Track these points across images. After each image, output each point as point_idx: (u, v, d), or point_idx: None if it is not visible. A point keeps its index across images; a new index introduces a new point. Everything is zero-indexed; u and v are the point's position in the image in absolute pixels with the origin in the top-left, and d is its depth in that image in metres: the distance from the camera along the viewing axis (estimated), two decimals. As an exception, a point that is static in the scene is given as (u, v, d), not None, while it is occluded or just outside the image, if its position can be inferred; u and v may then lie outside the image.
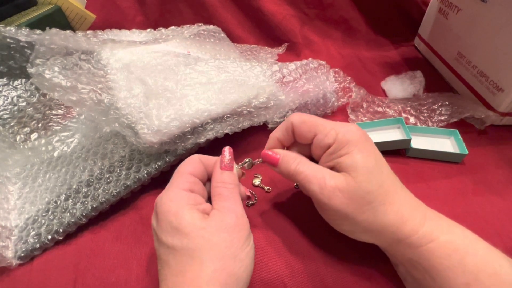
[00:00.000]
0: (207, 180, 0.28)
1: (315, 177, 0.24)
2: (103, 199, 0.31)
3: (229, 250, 0.22)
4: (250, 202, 0.33)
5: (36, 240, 0.30)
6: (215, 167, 0.26)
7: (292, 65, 0.42)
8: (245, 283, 0.22)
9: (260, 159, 0.28)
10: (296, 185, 0.35)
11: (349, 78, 0.46)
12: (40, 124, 0.40)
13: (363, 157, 0.23)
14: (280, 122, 0.32)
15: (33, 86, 0.40)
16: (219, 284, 0.21)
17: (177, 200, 0.23)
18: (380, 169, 0.24)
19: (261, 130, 0.39)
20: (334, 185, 0.23)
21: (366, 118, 0.42)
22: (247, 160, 0.28)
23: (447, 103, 0.43)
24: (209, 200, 0.27)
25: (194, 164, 0.26)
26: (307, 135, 0.26)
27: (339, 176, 0.24)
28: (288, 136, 0.27)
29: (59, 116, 0.41)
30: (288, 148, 0.29)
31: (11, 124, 0.38)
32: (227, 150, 0.27)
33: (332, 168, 0.25)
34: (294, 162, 0.26)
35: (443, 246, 0.22)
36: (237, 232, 0.23)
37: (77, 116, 0.41)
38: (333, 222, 0.26)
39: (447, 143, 0.38)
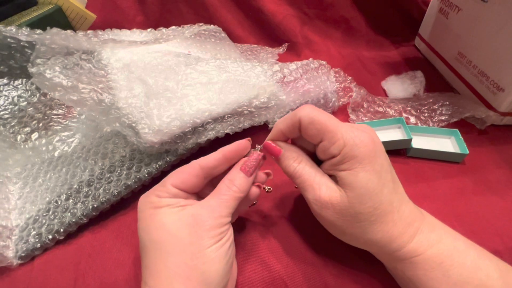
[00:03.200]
0: (207, 184, 0.27)
1: (311, 185, 0.24)
2: (103, 198, 0.31)
3: (192, 245, 0.22)
4: (251, 202, 0.33)
5: (36, 240, 0.30)
6: (237, 163, 0.26)
7: (292, 65, 0.42)
8: (214, 279, 0.22)
9: (261, 146, 0.27)
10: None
11: (349, 78, 0.46)
12: (40, 124, 0.40)
13: (364, 177, 0.22)
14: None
15: (34, 85, 0.40)
16: (180, 277, 0.21)
17: (153, 203, 0.24)
18: (381, 189, 0.22)
19: (262, 130, 0.39)
20: (328, 199, 0.23)
21: (366, 118, 0.43)
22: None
23: (447, 103, 0.43)
24: None
25: (184, 177, 0.25)
26: (313, 138, 0.24)
27: (335, 190, 0.23)
28: (294, 130, 0.25)
29: (59, 116, 0.41)
30: (293, 140, 0.28)
31: (12, 124, 0.38)
32: (256, 157, 0.26)
33: (332, 176, 0.24)
34: (294, 164, 0.25)
35: (428, 259, 0.22)
36: (205, 229, 0.22)
37: (77, 116, 0.41)
38: (325, 226, 0.26)
39: (447, 143, 0.38)
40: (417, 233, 0.23)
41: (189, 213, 0.23)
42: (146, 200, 0.24)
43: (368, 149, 0.22)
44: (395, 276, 0.25)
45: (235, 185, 0.24)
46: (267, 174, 0.28)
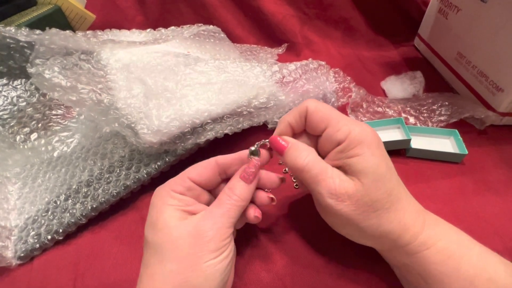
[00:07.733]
0: (221, 182, 0.27)
1: (324, 179, 0.23)
2: (103, 199, 0.31)
3: (190, 256, 0.21)
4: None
5: (35, 240, 0.30)
6: (237, 171, 0.26)
7: (292, 66, 0.42)
8: None
9: (267, 141, 0.26)
10: (296, 185, 0.35)
11: (349, 78, 0.46)
12: (40, 124, 0.40)
13: (375, 162, 0.22)
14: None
15: (33, 86, 0.40)
16: (173, 286, 0.20)
17: (163, 198, 0.24)
18: (391, 175, 0.23)
19: (261, 131, 0.39)
20: (344, 190, 0.22)
21: (366, 118, 0.42)
22: (252, 148, 0.26)
23: (447, 103, 0.43)
24: None
25: (200, 170, 0.25)
26: (319, 125, 0.24)
27: (349, 181, 0.22)
28: (300, 121, 0.25)
29: (59, 116, 0.41)
30: (296, 136, 0.27)
31: (11, 124, 0.38)
32: (255, 163, 0.25)
33: (339, 167, 0.23)
34: (303, 157, 0.24)
35: (439, 252, 0.22)
36: (205, 241, 0.21)
37: (77, 116, 0.41)
38: (334, 225, 0.25)
39: (447, 143, 0.38)
40: (425, 224, 0.23)
41: (192, 223, 0.22)
42: (159, 194, 0.24)
43: (372, 136, 0.23)
44: (403, 273, 0.25)
45: (235, 194, 0.24)
46: (271, 200, 0.27)
